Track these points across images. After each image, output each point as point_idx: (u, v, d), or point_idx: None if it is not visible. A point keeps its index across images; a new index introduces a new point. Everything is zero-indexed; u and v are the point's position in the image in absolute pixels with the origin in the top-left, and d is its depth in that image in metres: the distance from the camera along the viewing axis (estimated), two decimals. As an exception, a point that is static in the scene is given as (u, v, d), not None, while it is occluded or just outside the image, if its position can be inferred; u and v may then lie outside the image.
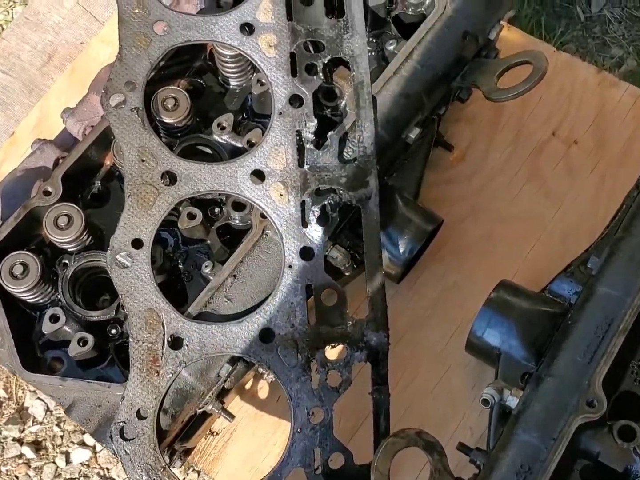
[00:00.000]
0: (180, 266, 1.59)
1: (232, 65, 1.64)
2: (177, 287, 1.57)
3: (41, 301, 1.51)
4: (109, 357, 1.52)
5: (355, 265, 1.59)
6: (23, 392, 2.20)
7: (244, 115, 1.69)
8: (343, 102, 1.64)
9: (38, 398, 2.20)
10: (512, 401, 1.42)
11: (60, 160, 1.73)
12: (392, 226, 1.65)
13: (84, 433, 2.08)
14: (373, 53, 1.70)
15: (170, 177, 1.49)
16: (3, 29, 2.49)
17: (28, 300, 1.49)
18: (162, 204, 1.47)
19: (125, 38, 1.52)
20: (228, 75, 1.68)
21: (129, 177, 1.47)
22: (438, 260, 1.78)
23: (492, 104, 1.90)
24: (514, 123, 1.92)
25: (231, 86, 1.70)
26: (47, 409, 2.18)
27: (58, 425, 2.17)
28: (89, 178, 1.63)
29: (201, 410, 1.52)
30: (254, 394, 1.73)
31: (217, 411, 1.53)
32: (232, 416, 1.57)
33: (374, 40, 1.73)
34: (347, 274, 1.60)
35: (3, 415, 2.18)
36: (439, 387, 1.69)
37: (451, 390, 1.69)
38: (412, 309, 1.74)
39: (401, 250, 1.65)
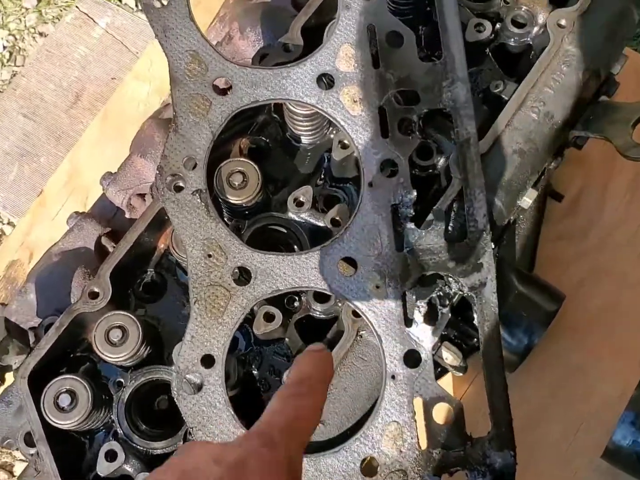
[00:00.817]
0: (255, 372, 1.32)
1: (307, 123, 1.36)
2: (253, 399, 1.30)
3: (93, 427, 1.25)
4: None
5: (466, 366, 1.31)
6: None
7: (320, 178, 1.41)
8: (441, 160, 1.35)
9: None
10: None
11: (103, 238, 1.47)
12: (507, 309, 1.37)
13: None
14: (474, 94, 1.41)
15: (244, 274, 1.21)
16: (16, 38, 2.18)
17: (78, 430, 1.23)
18: (236, 308, 1.19)
19: (179, 102, 1.24)
20: (299, 132, 1.39)
21: (194, 278, 1.19)
22: (554, 337, 1.49)
23: (600, 149, 1.61)
24: (632, 163, 1.61)
25: (302, 144, 1.42)
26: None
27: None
28: (141, 267, 1.36)
29: None
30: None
31: None
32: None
33: (473, 79, 1.43)
34: (458, 374, 1.32)
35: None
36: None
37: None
38: (529, 400, 1.47)
39: (521, 338, 1.37)
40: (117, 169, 1.52)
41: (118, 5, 1.81)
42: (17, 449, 1.25)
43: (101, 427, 1.26)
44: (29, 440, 1.21)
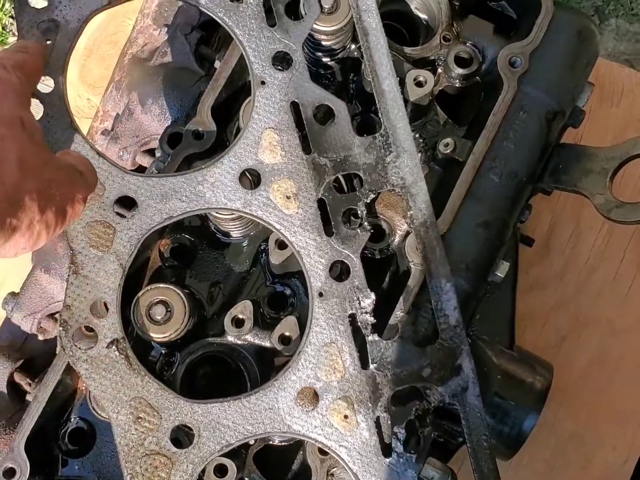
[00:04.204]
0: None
1: (234, 223, 1.15)
2: None
3: None
4: None
5: (455, 477, 1.14)
6: None
7: (262, 272, 1.21)
8: (396, 239, 1.16)
9: None
10: None
11: (16, 375, 1.25)
12: (493, 394, 1.20)
13: None
14: (420, 154, 1.21)
15: (185, 434, 1.01)
16: None
17: None
18: (181, 478, 1.00)
19: (75, 236, 1.01)
20: (227, 229, 1.18)
21: (125, 450, 0.99)
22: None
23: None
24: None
25: (232, 238, 1.21)
26: None
27: None
28: (62, 416, 1.15)
29: None
30: None
31: None
32: None
33: (418, 136, 1.23)
34: (447, 487, 1.16)
35: None
36: None
37: None
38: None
39: (511, 425, 1.20)
40: (19, 288, 1.29)
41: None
42: None
43: None
44: None
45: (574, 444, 1.33)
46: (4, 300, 1.29)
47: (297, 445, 1.15)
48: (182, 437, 1.01)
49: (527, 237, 1.41)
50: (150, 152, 1.34)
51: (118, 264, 1.02)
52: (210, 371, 1.12)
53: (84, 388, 1.16)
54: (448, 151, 1.18)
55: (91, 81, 1.69)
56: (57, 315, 1.27)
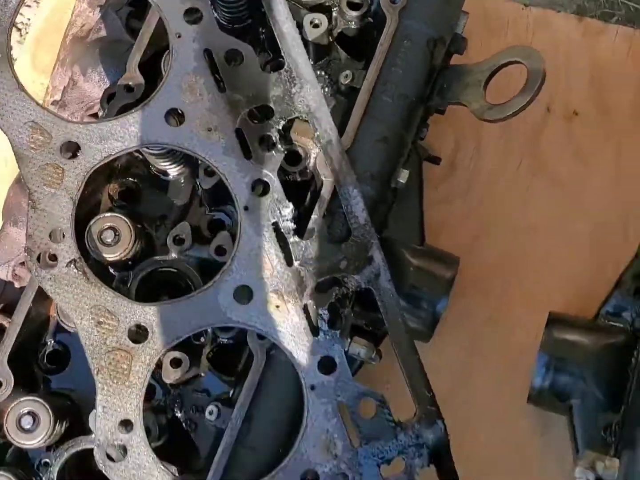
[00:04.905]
0: (179, 414, 1.32)
1: (167, 160, 1.33)
2: (183, 442, 1.31)
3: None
4: None
5: (379, 351, 1.34)
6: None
7: (199, 205, 1.40)
8: (311, 162, 1.35)
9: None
10: (610, 475, 1.21)
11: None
12: (408, 287, 1.40)
13: None
14: (327, 89, 1.41)
15: (140, 332, 1.20)
16: None
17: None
18: (140, 367, 1.19)
19: (31, 179, 1.20)
20: (164, 168, 1.37)
21: (90, 349, 1.18)
22: (460, 295, 1.53)
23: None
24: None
25: (171, 177, 1.40)
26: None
27: None
28: (39, 340, 1.34)
29: None
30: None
31: None
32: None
33: (323, 73, 1.43)
34: (373, 363, 1.35)
35: None
36: (504, 447, 1.48)
37: (518, 445, 1.48)
38: (449, 363, 1.51)
39: (426, 310, 1.40)
40: (-8, 242, 1.47)
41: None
42: None
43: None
44: None
45: (490, 328, 1.53)
46: (-20, 255, 1.47)
47: (243, 343, 1.33)
48: (139, 334, 1.20)
49: (434, 156, 1.61)
50: (95, 115, 1.53)
51: (69, 198, 1.21)
52: (162, 282, 1.31)
53: (55, 315, 1.34)
54: (347, 81, 1.38)
55: (43, 67, 1.87)
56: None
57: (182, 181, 1.40)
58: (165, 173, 1.39)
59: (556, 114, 1.63)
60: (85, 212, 1.29)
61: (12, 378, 1.23)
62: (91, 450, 1.24)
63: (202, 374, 1.33)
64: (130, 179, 1.40)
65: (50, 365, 1.34)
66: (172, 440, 1.30)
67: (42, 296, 1.30)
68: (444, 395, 1.43)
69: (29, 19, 2.31)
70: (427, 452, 1.26)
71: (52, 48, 1.85)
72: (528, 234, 1.57)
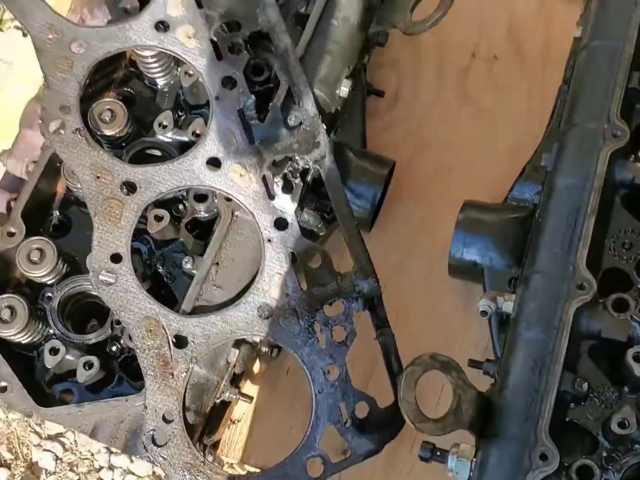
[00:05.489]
0: (161, 270, 1.60)
1: (156, 65, 1.65)
2: (164, 291, 1.59)
3: (35, 339, 1.51)
4: (117, 375, 1.53)
5: (326, 225, 1.64)
6: (28, 449, 2.18)
7: (180, 111, 1.71)
8: (273, 73, 1.67)
9: (45, 450, 2.18)
10: (508, 306, 1.49)
11: (12, 203, 1.72)
12: (350, 179, 1.70)
13: (111, 454, 2.08)
14: (287, 20, 1.74)
15: (130, 187, 1.50)
16: None
17: (23, 342, 1.49)
18: (129, 214, 1.48)
19: (47, 66, 1.52)
20: (154, 76, 1.69)
21: (89, 197, 1.47)
22: (398, 201, 1.84)
23: (410, 45, 1.98)
24: (434, 56, 1.99)
25: (159, 86, 1.71)
26: (57, 458, 2.17)
27: (71, 469, 2.16)
28: (46, 210, 1.63)
29: (219, 399, 1.54)
30: (263, 375, 1.76)
31: (234, 396, 1.56)
32: (250, 397, 1.61)
33: (284, 6, 1.76)
34: (321, 234, 1.64)
35: (15, 476, 2.16)
36: (434, 319, 1.75)
37: (446, 317, 1.75)
38: (389, 254, 1.80)
39: (365, 199, 1.70)
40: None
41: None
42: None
43: (42, 340, 1.52)
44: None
45: (423, 225, 1.83)
46: (0, 154, 1.77)
47: (214, 219, 1.62)
48: (128, 188, 1.50)
49: (379, 90, 1.94)
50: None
51: (76, 82, 1.53)
52: (147, 158, 1.61)
53: (60, 192, 1.64)
54: (302, 10, 1.71)
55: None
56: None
57: (167, 90, 1.72)
58: (155, 83, 1.71)
59: (480, 58, 1.97)
60: (88, 97, 1.60)
61: (24, 228, 1.52)
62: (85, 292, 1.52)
63: (181, 238, 1.61)
64: (126, 89, 1.72)
65: (55, 233, 1.63)
66: (154, 288, 1.57)
67: (50, 173, 1.60)
68: (383, 281, 1.72)
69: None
70: (362, 298, 1.54)
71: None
72: (457, 151, 1.88)
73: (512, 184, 1.67)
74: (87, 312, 1.55)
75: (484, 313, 1.48)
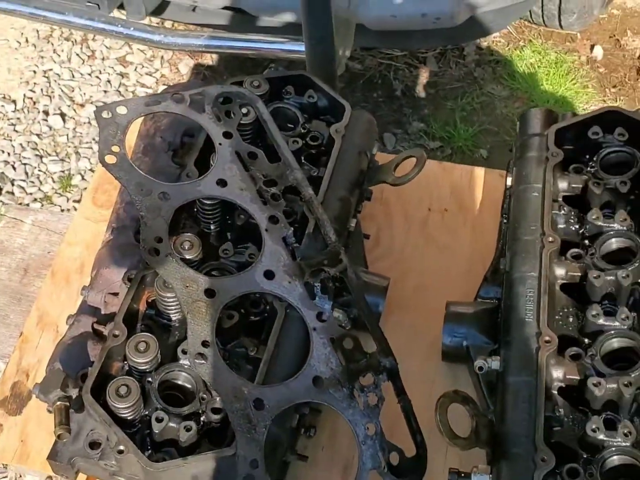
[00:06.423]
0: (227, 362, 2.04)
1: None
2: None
3: (137, 416, 1.88)
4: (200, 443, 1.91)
5: (351, 322, 2.15)
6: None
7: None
8: (299, 216, 2.25)
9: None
10: (495, 364, 2.02)
11: (95, 325, 2.14)
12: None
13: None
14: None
15: (211, 293, 1.99)
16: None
17: (128, 418, 1.86)
18: (212, 311, 1.96)
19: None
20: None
21: (182, 300, 1.95)
22: (390, 313, 2.39)
23: (382, 204, 2.65)
24: (400, 210, 2.67)
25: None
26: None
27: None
28: (134, 322, 2.06)
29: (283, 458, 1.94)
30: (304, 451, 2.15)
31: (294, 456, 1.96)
32: (306, 457, 2.01)
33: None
34: (347, 329, 2.15)
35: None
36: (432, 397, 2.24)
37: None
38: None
39: (373, 305, 2.25)
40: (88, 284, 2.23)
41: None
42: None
43: (138, 421, 1.88)
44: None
45: (414, 329, 2.37)
46: (82, 289, 2.20)
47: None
48: (209, 295, 1.98)
49: (366, 234, 2.56)
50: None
51: (164, 220, 2.05)
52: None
53: (142, 309, 2.09)
54: (315, 174, 2.35)
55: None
56: (117, 291, 2.19)
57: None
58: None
59: (434, 210, 2.66)
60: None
61: (126, 331, 1.95)
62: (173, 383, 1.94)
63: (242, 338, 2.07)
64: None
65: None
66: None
67: (135, 299, 2.06)
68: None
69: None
70: (386, 372, 2.03)
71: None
72: (429, 275, 2.50)
73: (479, 288, 2.28)
74: (175, 394, 1.95)
75: (480, 368, 2.01)
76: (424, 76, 4.39)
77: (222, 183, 2.18)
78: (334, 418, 2.09)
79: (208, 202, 2.18)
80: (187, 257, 2.07)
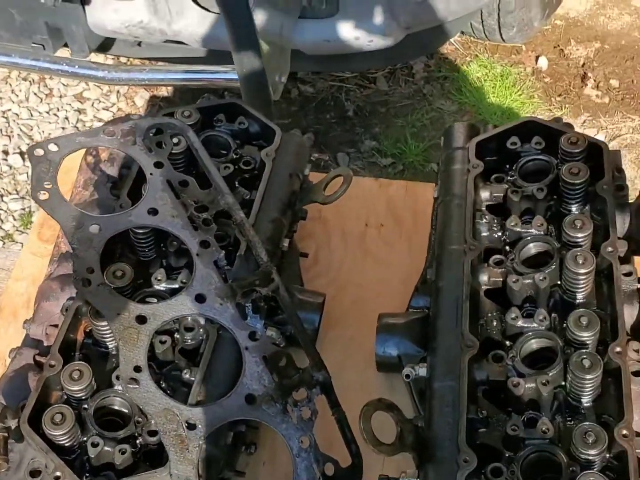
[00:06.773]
0: (163, 385, 2.10)
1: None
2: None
3: (75, 444, 1.93)
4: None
5: (284, 339, 2.22)
6: None
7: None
8: (232, 238, 2.32)
9: None
10: (423, 371, 2.09)
11: (36, 357, 2.20)
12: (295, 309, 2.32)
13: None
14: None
15: (142, 319, 2.05)
16: None
17: (66, 444, 1.92)
18: (143, 337, 2.02)
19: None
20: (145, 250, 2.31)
21: (114, 328, 2.01)
22: (328, 326, 2.46)
23: (320, 223, 2.73)
24: (338, 227, 2.74)
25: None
26: None
27: None
28: (72, 350, 2.12)
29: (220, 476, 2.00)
30: (244, 468, 2.20)
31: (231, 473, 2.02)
32: (243, 473, 2.06)
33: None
34: (281, 346, 2.21)
35: None
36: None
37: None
38: (329, 364, 2.37)
39: (308, 322, 2.31)
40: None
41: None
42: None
43: (76, 447, 1.94)
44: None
45: (351, 341, 2.44)
46: (24, 322, 2.27)
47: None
48: (141, 320, 2.05)
49: (303, 252, 2.63)
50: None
51: (95, 251, 2.12)
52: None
53: (80, 338, 2.15)
54: (247, 197, 2.43)
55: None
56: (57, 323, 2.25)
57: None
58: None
59: (371, 227, 2.73)
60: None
61: (62, 361, 2.01)
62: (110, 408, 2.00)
63: (176, 361, 2.14)
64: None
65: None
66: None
67: (73, 326, 2.12)
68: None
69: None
70: (319, 385, 2.10)
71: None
72: (366, 288, 2.57)
73: (410, 298, 2.36)
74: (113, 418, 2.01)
75: (407, 376, 2.08)
76: (374, 96, 4.51)
77: (153, 212, 2.26)
78: (274, 434, 2.14)
79: (140, 231, 2.25)
80: (119, 285, 2.14)
